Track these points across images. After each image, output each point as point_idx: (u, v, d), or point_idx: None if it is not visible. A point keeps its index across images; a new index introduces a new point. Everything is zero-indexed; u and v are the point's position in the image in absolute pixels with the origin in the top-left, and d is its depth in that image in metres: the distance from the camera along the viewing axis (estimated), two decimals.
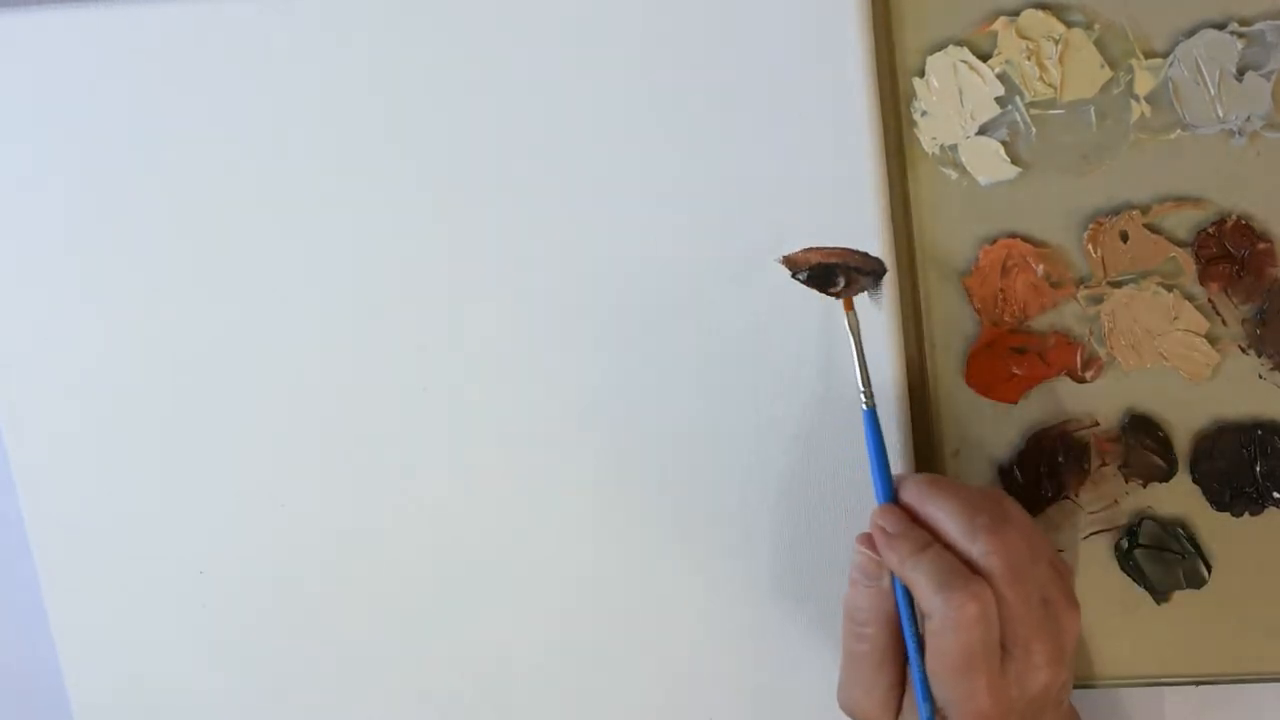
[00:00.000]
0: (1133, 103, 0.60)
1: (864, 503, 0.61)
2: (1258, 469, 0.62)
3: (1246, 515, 0.63)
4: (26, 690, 0.72)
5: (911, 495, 0.58)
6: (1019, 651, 0.55)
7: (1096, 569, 0.64)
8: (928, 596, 0.55)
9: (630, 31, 0.60)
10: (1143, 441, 0.63)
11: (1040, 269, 0.62)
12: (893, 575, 0.57)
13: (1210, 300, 0.61)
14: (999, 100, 0.60)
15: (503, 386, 0.64)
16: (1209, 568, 0.64)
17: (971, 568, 0.55)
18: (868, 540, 0.58)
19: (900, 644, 0.57)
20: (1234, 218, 0.60)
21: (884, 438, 0.59)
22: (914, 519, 0.57)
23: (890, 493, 0.58)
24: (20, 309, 0.66)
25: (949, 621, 0.54)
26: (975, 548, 0.55)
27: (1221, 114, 0.60)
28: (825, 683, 0.63)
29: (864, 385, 0.59)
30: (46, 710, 0.72)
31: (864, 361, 0.60)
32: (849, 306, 0.61)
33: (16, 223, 0.65)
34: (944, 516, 0.57)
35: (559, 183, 0.62)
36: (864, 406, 0.59)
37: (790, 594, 0.65)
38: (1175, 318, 0.62)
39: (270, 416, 0.66)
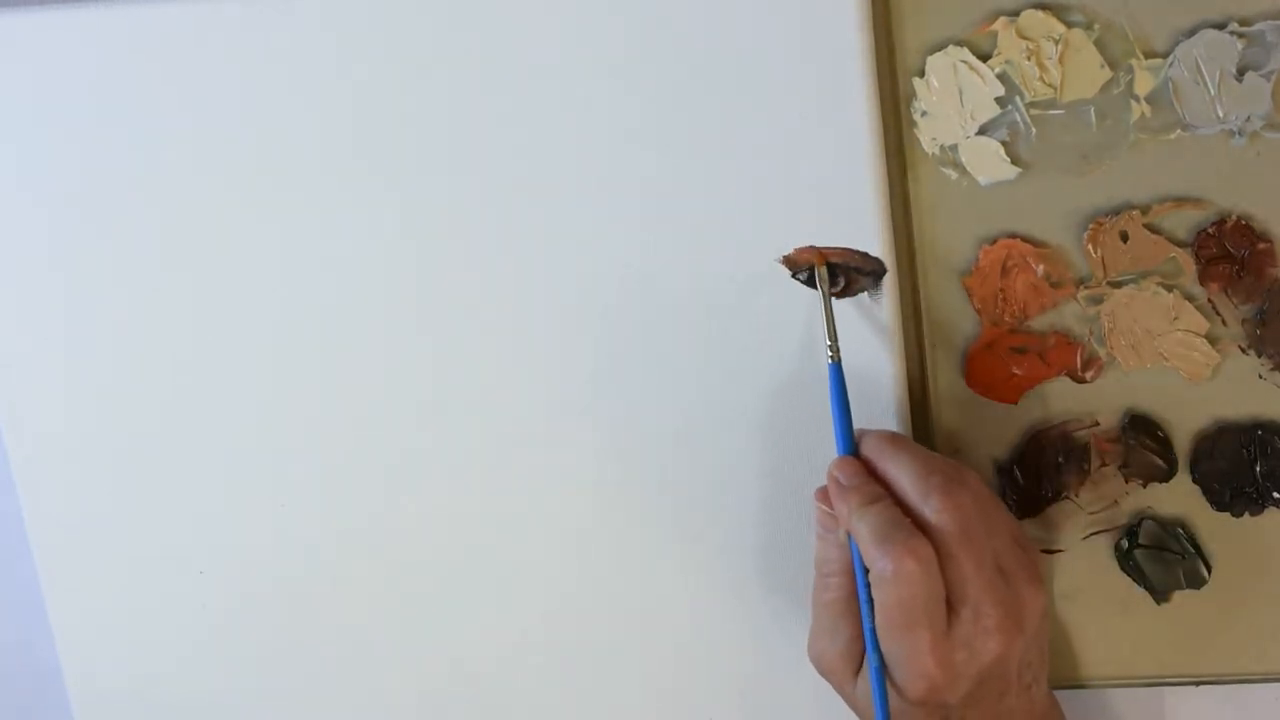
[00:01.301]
0: (1133, 103, 0.60)
1: None
2: (1258, 469, 0.62)
3: (1246, 515, 0.63)
4: (26, 690, 0.72)
5: (871, 450, 0.58)
6: (967, 613, 0.55)
7: (1096, 569, 0.64)
8: (869, 550, 0.55)
9: (630, 32, 0.60)
10: (1143, 441, 0.63)
11: (1040, 269, 0.62)
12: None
13: (1210, 300, 0.61)
14: (999, 100, 0.60)
15: (502, 385, 0.64)
16: (1209, 568, 0.64)
17: (923, 528, 0.55)
18: (824, 493, 0.58)
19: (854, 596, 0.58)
20: (1234, 218, 0.60)
21: (848, 394, 0.59)
22: (871, 474, 0.58)
23: (851, 446, 0.59)
24: (20, 309, 0.66)
25: (888, 575, 0.54)
26: (927, 506, 0.55)
27: (1221, 114, 0.60)
28: (821, 680, 0.63)
29: (830, 339, 0.60)
30: (46, 710, 0.72)
31: (831, 316, 0.60)
32: (821, 261, 0.61)
33: (16, 222, 0.65)
34: (900, 473, 0.57)
35: (558, 183, 0.62)
36: (829, 360, 0.60)
37: (788, 591, 0.65)
38: (1175, 318, 0.62)
39: (270, 417, 0.66)
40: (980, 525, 0.56)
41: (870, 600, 0.56)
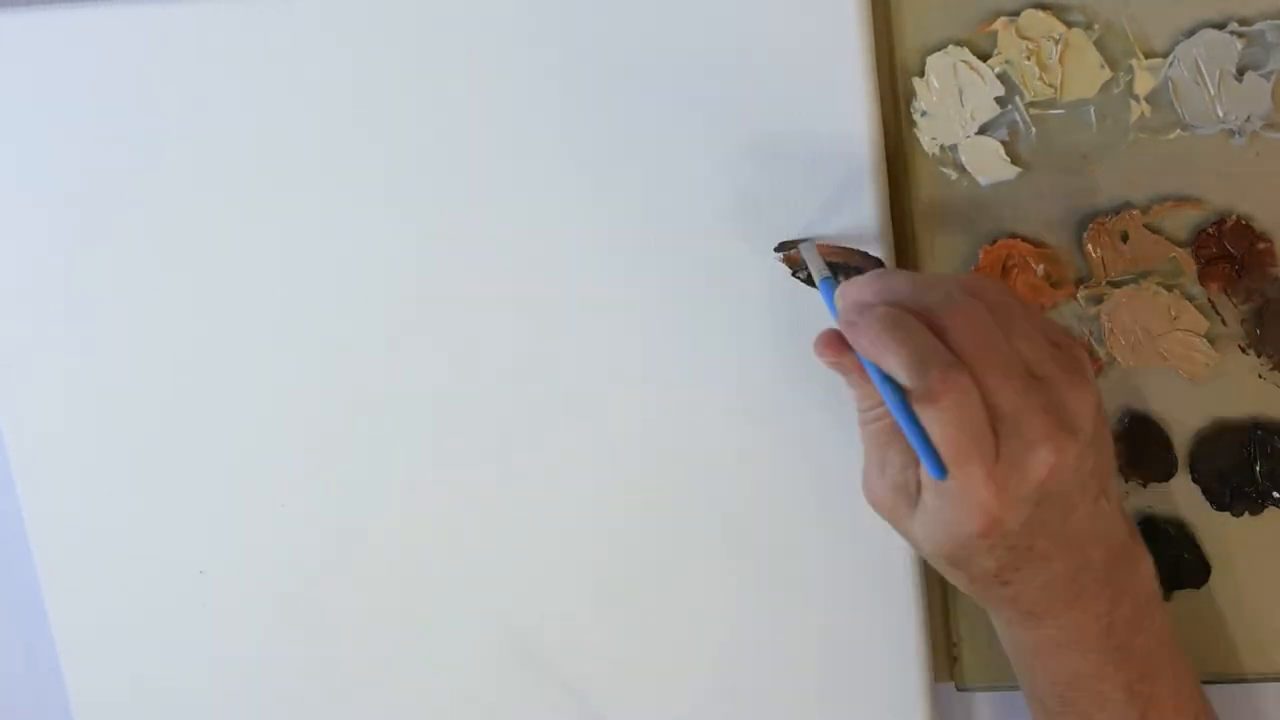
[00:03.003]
0: (1133, 103, 0.60)
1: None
2: (1258, 469, 0.62)
3: (1246, 515, 0.63)
4: (26, 690, 0.72)
5: (860, 290, 0.54)
6: (1007, 430, 0.50)
7: None
8: (905, 385, 0.50)
9: (630, 32, 0.60)
10: (1143, 441, 0.63)
11: (1040, 269, 0.62)
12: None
13: (1210, 300, 0.61)
14: (999, 100, 0.60)
15: (503, 385, 0.64)
16: (1209, 568, 0.64)
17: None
18: (829, 340, 0.54)
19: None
20: (1234, 218, 0.60)
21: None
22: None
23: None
24: (20, 309, 0.66)
25: (928, 414, 0.50)
26: (936, 325, 0.51)
27: (1221, 114, 0.60)
28: (830, 676, 0.63)
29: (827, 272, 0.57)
30: (46, 710, 0.72)
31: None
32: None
33: (17, 222, 0.65)
34: (896, 299, 0.52)
35: (558, 183, 0.62)
36: (818, 279, 0.57)
37: (804, 585, 0.65)
38: (1175, 318, 0.62)
39: (270, 417, 0.66)
40: (994, 332, 0.51)
41: (911, 415, 0.51)
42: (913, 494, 0.53)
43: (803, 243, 0.60)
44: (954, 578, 0.55)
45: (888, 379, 0.51)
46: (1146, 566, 0.57)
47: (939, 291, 0.52)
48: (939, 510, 0.51)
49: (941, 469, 0.50)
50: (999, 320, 0.51)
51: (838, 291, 0.54)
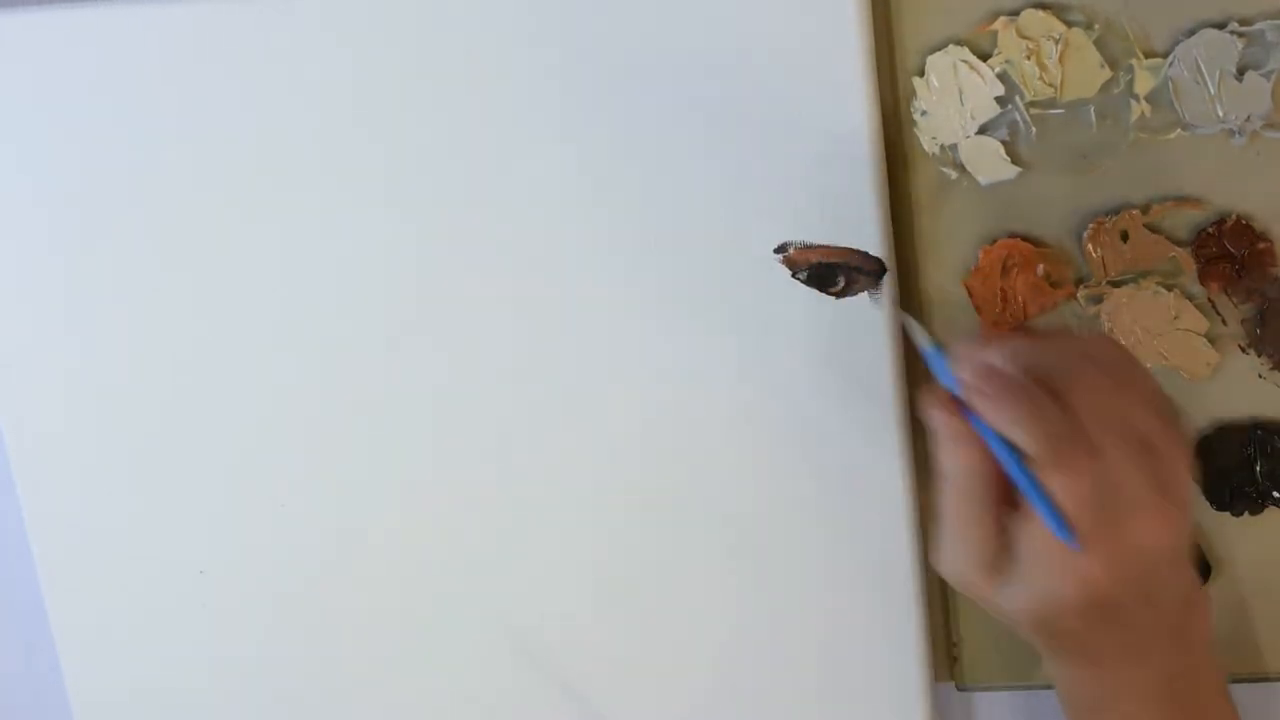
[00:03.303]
0: (1133, 103, 0.60)
1: (870, 488, 0.62)
2: (1258, 469, 0.62)
3: (1246, 515, 0.63)
4: (27, 690, 0.72)
5: (982, 354, 0.54)
6: (1119, 502, 0.51)
7: None
8: (1031, 454, 0.51)
9: (630, 32, 0.60)
10: None
11: (1040, 269, 0.62)
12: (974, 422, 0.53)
13: (1210, 300, 0.61)
14: (999, 100, 0.60)
15: (503, 384, 0.64)
16: (1209, 567, 0.63)
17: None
18: (945, 400, 0.54)
19: (994, 496, 0.53)
20: (1234, 218, 0.60)
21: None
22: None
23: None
24: (20, 309, 0.66)
25: (1055, 484, 0.50)
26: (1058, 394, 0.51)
27: (1221, 114, 0.60)
28: (839, 673, 0.63)
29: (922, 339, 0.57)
30: (46, 710, 0.72)
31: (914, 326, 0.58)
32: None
33: (17, 222, 0.65)
34: (1016, 362, 0.53)
35: (558, 182, 0.62)
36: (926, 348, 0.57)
37: (814, 585, 0.65)
38: (1175, 317, 0.62)
39: (271, 417, 0.66)
40: (1117, 399, 0.51)
41: (1032, 483, 0.51)
42: (993, 564, 0.53)
43: (796, 247, 0.60)
44: (1032, 637, 0.55)
45: (1007, 448, 0.52)
46: (1207, 613, 0.57)
47: (1062, 356, 0.52)
48: (1036, 581, 0.52)
49: (1074, 538, 0.50)
50: (1117, 386, 0.52)
51: (956, 354, 0.54)
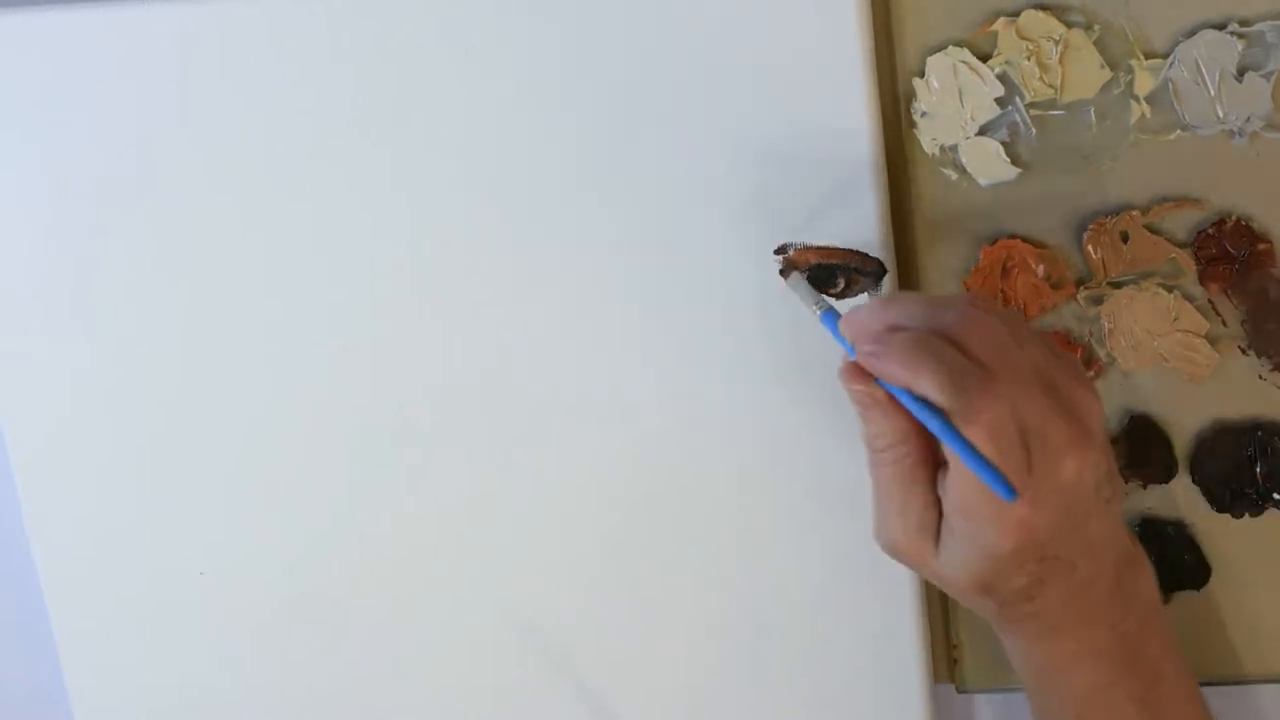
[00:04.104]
0: (1133, 103, 0.60)
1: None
2: (1258, 469, 0.62)
3: (1246, 516, 0.63)
4: (26, 690, 0.72)
5: (871, 317, 0.53)
6: (1035, 440, 0.50)
7: None
8: (944, 405, 0.50)
9: (631, 31, 0.60)
10: (1143, 442, 0.63)
11: (1040, 269, 0.62)
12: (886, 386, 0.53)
13: (1210, 300, 0.61)
14: (999, 101, 0.60)
15: (504, 384, 0.64)
16: (1209, 568, 0.63)
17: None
18: (852, 370, 0.53)
19: (925, 461, 0.53)
20: (1234, 218, 0.61)
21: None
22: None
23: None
24: (22, 309, 0.66)
25: (975, 433, 0.50)
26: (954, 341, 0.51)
27: (1221, 114, 0.60)
28: (845, 673, 0.63)
29: (815, 306, 0.57)
30: (46, 710, 0.72)
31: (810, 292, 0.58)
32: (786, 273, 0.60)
33: (19, 222, 0.65)
34: (913, 320, 0.52)
35: (558, 183, 0.62)
36: (818, 312, 0.57)
37: (805, 580, 0.65)
38: (1175, 318, 0.62)
39: (271, 416, 0.66)
40: (1012, 344, 0.51)
41: (956, 436, 0.50)
42: (933, 532, 0.53)
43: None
44: (981, 605, 0.54)
45: (923, 405, 0.51)
46: (1149, 573, 0.57)
47: (949, 310, 0.52)
48: (972, 536, 0.52)
49: (1011, 489, 0.49)
50: (1013, 331, 0.51)
51: (842, 323, 0.54)
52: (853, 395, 0.53)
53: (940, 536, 0.53)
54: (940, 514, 0.53)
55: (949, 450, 0.51)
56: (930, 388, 0.50)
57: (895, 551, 0.55)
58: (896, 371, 0.51)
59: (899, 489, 0.53)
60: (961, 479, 0.51)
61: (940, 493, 0.53)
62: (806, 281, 0.58)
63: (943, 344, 0.51)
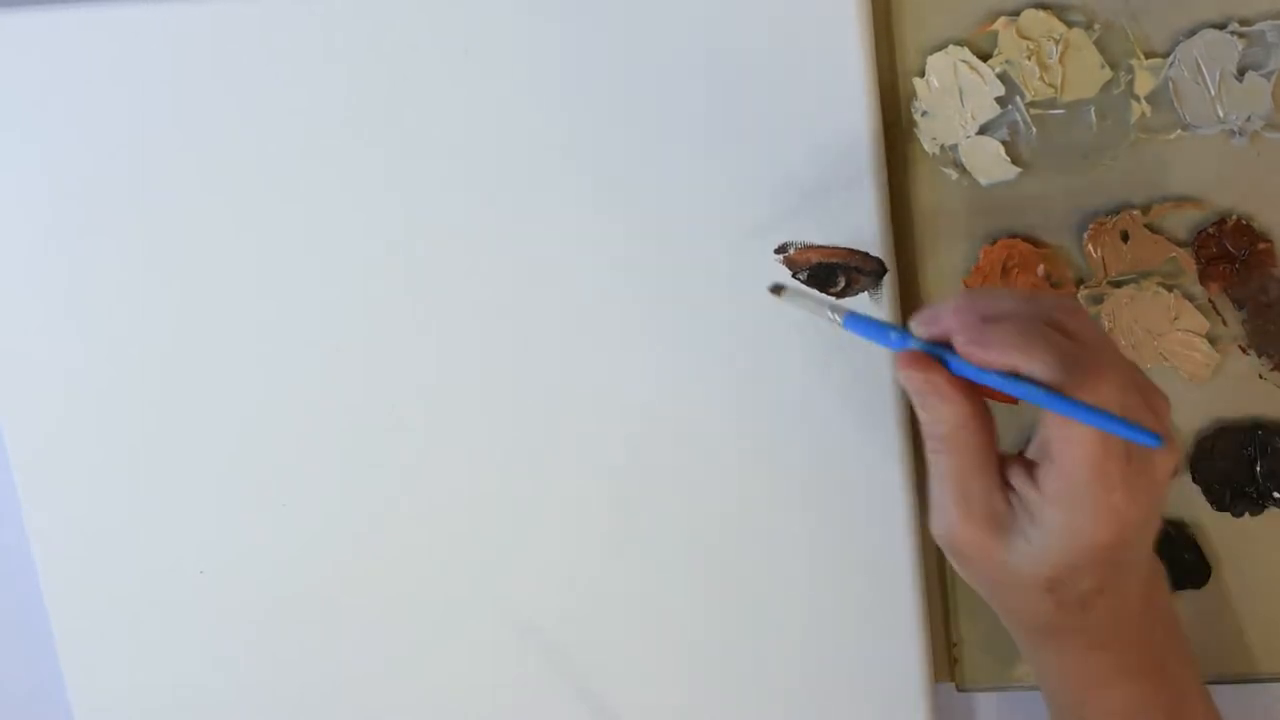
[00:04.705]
0: (1133, 103, 0.60)
1: (871, 488, 0.62)
2: (1258, 469, 0.62)
3: (1246, 515, 0.63)
4: (26, 690, 0.72)
5: (959, 308, 0.51)
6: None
7: None
8: (1056, 382, 0.49)
9: (630, 31, 0.60)
10: None
11: (1041, 269, 0.62)
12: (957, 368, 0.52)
13: (1210, 300, 0.61)
14: (999, 100, 0.60)
15: (503, 383, 0.64)
16: (1209, 568, 0.63)
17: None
18: (912, 359, 0.52)
19: (987, 448, 0.52)
20: (1234, 218, 0.61)
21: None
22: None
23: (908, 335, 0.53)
24: (20, 309, 0.66)
25: (1108, 405, 0.48)
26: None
27: (1221, 114, 0.60)
28: (847, 673, 0.63)
29: (832, 313, 0.55)
30: (46, 710, 0.72)
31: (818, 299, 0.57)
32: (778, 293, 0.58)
33: (17, 222, 0.65)
34: (1009, 310, 0.51)
35: (558, 183, 0.62)
36: (839, 320, 0.55)
37: (806, 581, 0.65)
38: (1175, 318, 0.62)
39: (270, 416, 0.66)
40: (1109, 340, 0.51)
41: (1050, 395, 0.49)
42: (1003, 520, 0.52)
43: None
44: (1035, 608, 0.53)
45: (1032, 385, 0.49)
46: (1167, 585, 0.57)
47: (1044, 300, 0.51)
48: (1065, 526, 0.50)
49: (1158, 437, 0.48)
50: (1100, 328, 0.52)
51: (925, 315, 0.52)
52: (910, 383, 0.52)
53: (1014, 527, 0.51)
54: (1009, 504, 0.52)
55: (1055, 434, 0.50)
56: (1042, 368, 0.49)
57: (954, 541, 0.53)
58: (1003, 356, 0.50)
59: (960, 476, 0.52)
60: (1068, 463, 0.50)
61: (1020, 485, 0.51)
62: (805, 286, 0.58)
63: (1049, 330, 0.50)
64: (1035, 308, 0.51)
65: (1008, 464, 0.52)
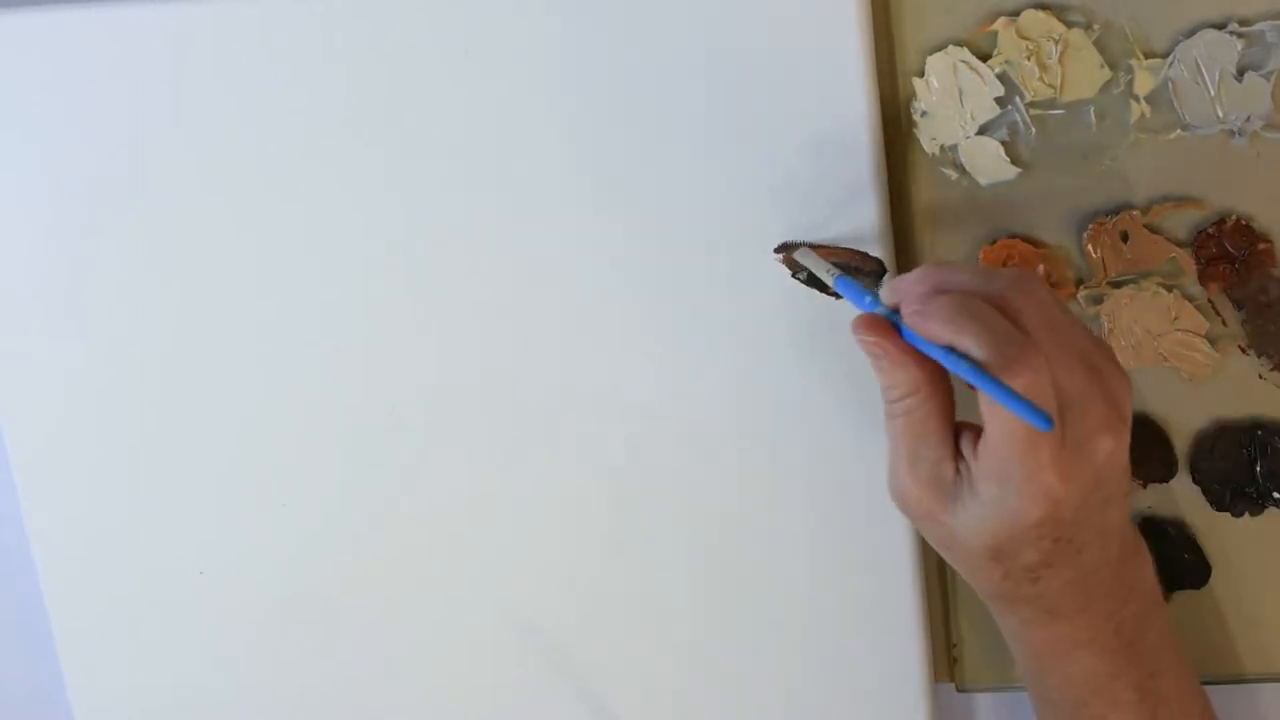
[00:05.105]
0: (1133, 103, 0.60)
1: (870, 488, 0.62)
2: (1258, 469, 0.62)
3: (1246, 515, 0.63)
4: (26, 690, 0.72)
5: (916, 280, 0.53)
6: (1073, 415, 0.51)
7: None
8: (983, 359, 0.50)
9: (630, 32, 0.60)
10: (1143, 441, 0.63)
11: (1040, 269, 0.62)
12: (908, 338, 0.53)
13: (1210, 300, 0.61)
14: (999, 100, 0.60)
15: (503, 383, 0.64)
16: (1209, 567, 0.63)
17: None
18: (868, 322, 0.53)
19: (939, 414, 0.53)
20: (1234, 218, 0.61)
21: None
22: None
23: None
24: (20, 309, 0.66)
25: (1024, 394, 0.49)
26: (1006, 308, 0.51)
27: (1221, 114, 0.60)
28: (848, 673, 0.63)
29: (828, 275, 0.58)
30: (46, 710, 0.72)
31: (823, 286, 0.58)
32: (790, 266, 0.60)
33: (17, 222, 0.65)
34: (961, 283, 0.52)
35: (558, 183, 0.62)
36: (833, 276, 0.57)
37: (805, 580, 0.65)
38: (1175, 318, 0.62)
39: (270, 416, 0.66)
40: (1063, 319, 0.52)
41: (984, 376, 0.50)
42: (948, 487, 0.53)
43: (798, 248, 0.60)
44: (985, 575, 0.54)
45: (963, 360, 0.51)
46: (1150, 565, 0.57)
47: (998, 278, 0.52)
48: (998, 500, 0.52)
49: (1048, 420, 0.48)
50: (1059, 306, 0.52)
51: (891, 283, 0.54)
52: (865, 347, 0.53)
53: (957, 495, 0.53)
54: (957, 472, 0.53)
55: (986, 410, 0.51)
56: (972, 345, 0.50)
57: (904, 502, 0.55)
58: (939, 329, 0.51)
59: (910, 439, 0.53)
60: (996, 439, 0.51)
61: (967, 454, 0.53)
62: (815, 256, 0.59)
63: (988, 308, 0.51)
64: (986, 284, 0.52)
65: (962, 431, 0.53)
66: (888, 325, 0.53)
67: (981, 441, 0.52)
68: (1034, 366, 0.50)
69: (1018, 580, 0.54)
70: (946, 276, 0.53)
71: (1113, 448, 0.51)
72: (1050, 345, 0.51)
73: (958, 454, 0.53)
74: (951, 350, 0.51)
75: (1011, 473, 0.51)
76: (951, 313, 0.51)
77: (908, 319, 0.52)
